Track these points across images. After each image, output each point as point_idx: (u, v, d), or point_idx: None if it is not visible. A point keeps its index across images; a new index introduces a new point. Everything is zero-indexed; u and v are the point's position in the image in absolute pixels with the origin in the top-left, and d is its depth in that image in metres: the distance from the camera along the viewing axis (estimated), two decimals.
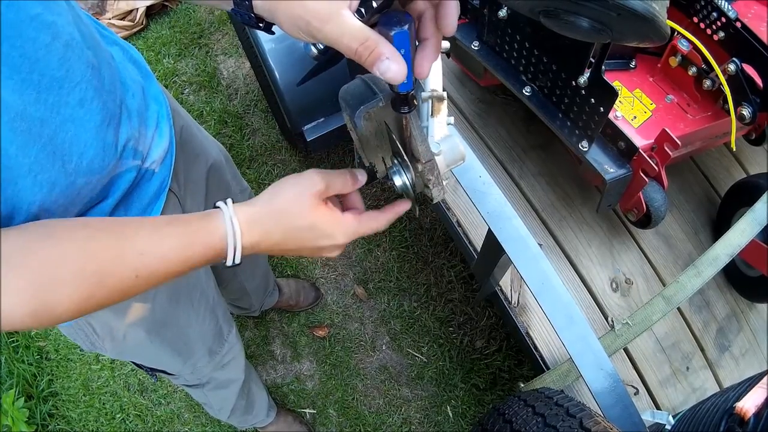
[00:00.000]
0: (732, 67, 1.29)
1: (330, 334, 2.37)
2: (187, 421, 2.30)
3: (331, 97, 2.02)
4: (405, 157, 0.87)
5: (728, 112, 1.36)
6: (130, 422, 2.32)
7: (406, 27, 0.59)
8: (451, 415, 2.22)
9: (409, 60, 0.63)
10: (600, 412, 1.14)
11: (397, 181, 0.97)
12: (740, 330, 1.73)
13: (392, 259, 2.47)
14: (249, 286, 1.91)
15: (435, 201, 0.96)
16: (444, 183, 0.95)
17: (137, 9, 3.24)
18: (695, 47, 1.34)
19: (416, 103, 0.76)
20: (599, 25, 0.88)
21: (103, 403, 2.36)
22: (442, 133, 0.95)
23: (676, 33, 1.39)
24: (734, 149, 1.37)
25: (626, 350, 1.68)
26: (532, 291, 1.21)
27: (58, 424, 2.35)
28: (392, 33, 0.59)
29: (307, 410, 2.26)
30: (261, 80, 2.45)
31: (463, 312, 2.35)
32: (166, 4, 3.36)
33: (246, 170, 2.72)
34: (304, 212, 0.75)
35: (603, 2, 0.78)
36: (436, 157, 0.90)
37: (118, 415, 2.33)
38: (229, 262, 0.73)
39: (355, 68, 1.89)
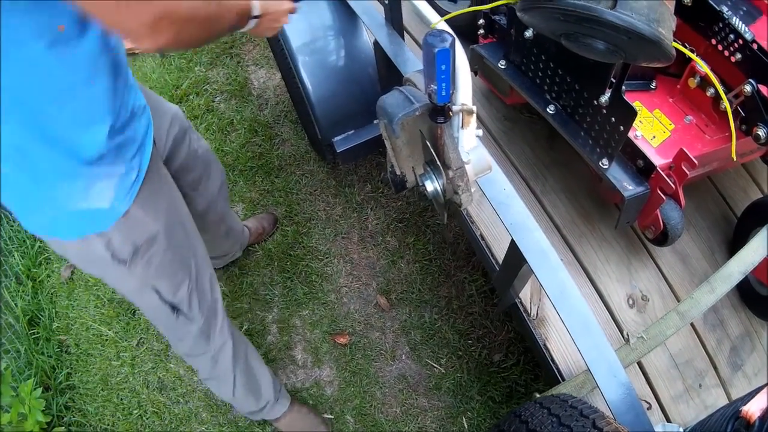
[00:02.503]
0: (748, 88, 1.36)
1: (351, 341, 2.47)
2: (204, 421, 2.39)
3: (362, 110, 2.14)
4: (438, 163, 0.97)
5: (745, 133, 1.44)
6: (147, 419, 2.42)
7: (447, 45, 0.69)
8: (466, 426, 2.29)
9: (449, 74, 0.73)
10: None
11: (429, 186, 1.07)
12: (753, 349, 1.80)
13: (415, 271, 2.58)
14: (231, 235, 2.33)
15: (463, 207, 1.06)
16: (472, 190, 1.05)
17: None
18: (712, 68, 1.43)
19: (451, 114, 0.86)
20: (613, 47, 0.99)
21: (121, 399, 2.47)
22: (471, 144, 1.05)
23: (695, 55, 1.48)
24: (735, 159, 1.44)
25: (640, 365, 1.75)
26: (551, 299, 1.29)
27: (74, 417, 2.45)
28: (435, 50, 0.69)
29: (324, 415, 2.34)
30: (292, 91, 2.56)
31: (483, 325, 2.43)
32: None
33: (274, 179, 2.84)
34: None
35: (615, 27, 0.88)
36: (465, 165, 1.00)
37: (135, 411, 2.43)
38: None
39: (386, 83, 2.01)
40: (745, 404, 1.10)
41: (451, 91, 0.77)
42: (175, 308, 1.61)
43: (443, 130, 0.90)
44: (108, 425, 2.42)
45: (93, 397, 2.48)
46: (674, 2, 0.96)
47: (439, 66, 0.71)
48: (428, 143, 0.95)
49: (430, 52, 0.70)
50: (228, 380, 1.94)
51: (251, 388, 2.05)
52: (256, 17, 1.19)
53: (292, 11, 1.43)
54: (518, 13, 1.13)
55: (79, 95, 1.08)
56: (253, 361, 2.04)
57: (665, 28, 0.90)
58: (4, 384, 2.18)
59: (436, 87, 0.76)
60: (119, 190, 1.28)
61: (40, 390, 2.33)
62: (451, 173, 0.97)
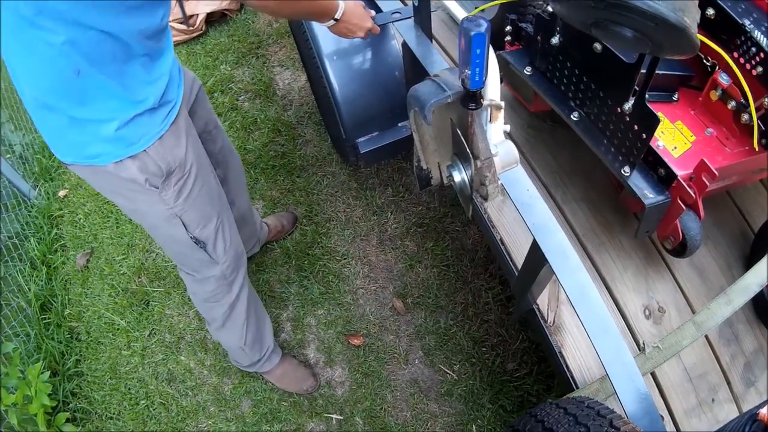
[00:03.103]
0: None
1: (365, 343, 2.53)
2: (212, 415, 2.45)
3: (387, 112, 2.21)
4: (467, 152, 1.02)
5: (765, 147, 1.49)
6: (153, 410, 2.48)
7: (483, 30, 0.75)
8: None
9: (483, 60, 0.79)
10: None
11: (456, 177, 1.13)
12: (767, 366, 1.83)
13: (432, 276, 2.64)
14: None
15: (490, 199, 1.12)
16: (499, 182, 1.10)
17: (197, 15, 3.50)
18: (734, 81, 1.48)
19: (482, 102, 0.92)
20: (640, 35, 1.06)
21: (129, 389, 2.53)
22: (499, 138, 1.11)
23: (717, 67, 1.53)
24: (757, 149, 1.49)
25: (654, 377, 1.78)
26: (570, 300, 1.34)
27: (80, 404, 2.52)
28: (471, 33, 0.75)
29: (333, 415, 2.40)
30: (317, 92, 2.64)
31: (498, 334, 2.48)
32: (226, 13, 3.62)
33: (296, 179, 2.92)
34: None
35: (643, 12, 0.95)
36: (493, 157, 1.05)
37: (142, 402, 2.49)
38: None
39: (413, 85, 2.07)
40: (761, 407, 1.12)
41: (484, 77, 0.83)
42: (200, 243, 1.73)
43: (474, 118, 0.96)
44: (114, 414, 2.48)
45: (100, 385, 2.55)
46: None
47: (474, 50, 0.77)
48: (458, 131, 1.01)
49: (466, 36, 0.76)
50: (242, 327, 2.11)
51: (258, 335, 2.23)
52: (336, 19, 1.67)
53: (373, 32, 1.84)
54: (550, 4, 1.20)
55: (157, 32, 1.33)
56: (260, 307, 2.24)
57: (690, 17, 0.97)
58: (12, 366, 2.25)
59: (470, 72, 0.81)
60: (157, 116, 1.43)
61: (47, 374, 2.38)
62: (479, 163, 1.03)
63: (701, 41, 1.40)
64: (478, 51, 0.77)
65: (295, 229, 2.83)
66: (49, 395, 2.34)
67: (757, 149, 1.50)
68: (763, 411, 1.08)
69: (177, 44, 3.55)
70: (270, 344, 2.33)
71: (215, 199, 1.76)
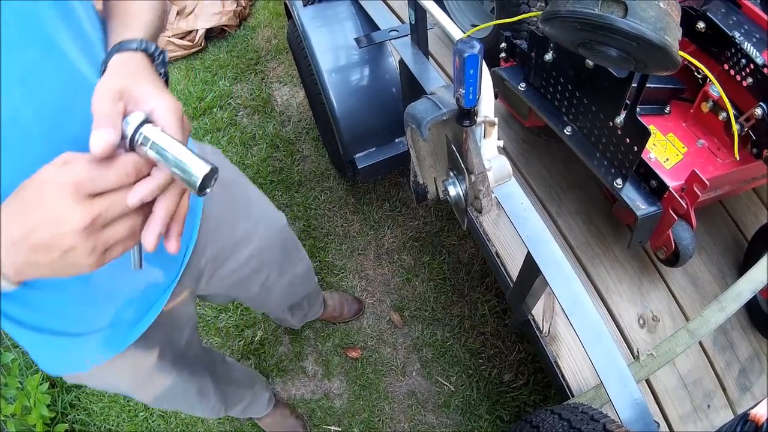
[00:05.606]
0: (759, 111, 1.44)
1: (363, 356, 2.54)
2: (210, 427, 2.46)
3: (384, 128, 2.25)
4: (462, 167, 1.05)
5: (756, 156, 1.52)
6: (152, 422, 2.49)
7: (476, 51, 0.78)
8: None
9: (476, 79, 0.82)
10: None
11: (452, 191, 1.16)
12: (762, 372, 1.85)
13: (429, 290, 2.67)
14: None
15: (484, 212, 1.14)
16: (492, 195, 1.13)
17: (197, 30, 3.55)
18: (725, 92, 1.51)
19: (476, 119, 0.95)
20: (624, 54, 1.10)
21: (128, 401, 2.54)
22: (493, 153, 1.14)
23: (708, 80, 1.56)
24: (737, 158, 1.52)
25: (649, 385, 1.80)
26: (563, 309, 1.36)
27: (78, 415, 2.53)
28: (465, 55, 0.78)
29: (332, 427, 2.41)
30: (316, 108, 2.67)
31: (494, 345, 2.50)
32: (226, 29, 3.66)
33: (294, 194, 2.95)
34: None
35: (626, 34, 0.99)
36: (486, 171, 1.08)
37: (141, 414, 2.51)
38: None
39: (409, 101, 2.11)
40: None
41: (477, 96, 0.86)
42: None
43: (468, 134, 0.99)
44: (113, 426, 2.50)
45: (99, 397, 2.56)
46: (680, 16, 1.06)
47: (467, 70, 0.80)
48: (453, 147, 1.04)
49: (460, 57, 0.79)
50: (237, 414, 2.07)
51: (254, 410, 2.18)
52: None
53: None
54: (540, 24, 1.24)
55: None
56: (259, 390, 2.16)
57: (671, 36, 1.01)
58: (11, 376, 2.26)
59: (464, 91, 0.84)
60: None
61: (46, 385, 2.40)
62: (473, 177, 1.06)
63: (689, 57, 1.45)
64: (471, 71, 0.80)
65: (354, 319, 2.67)
66: (48, 406, 2.35)
67: (737, 158, 1.53)
68: (753, 411, 1.10)
69: (176, 59, 3.60)
70: (264, 404, 2.26)
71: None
